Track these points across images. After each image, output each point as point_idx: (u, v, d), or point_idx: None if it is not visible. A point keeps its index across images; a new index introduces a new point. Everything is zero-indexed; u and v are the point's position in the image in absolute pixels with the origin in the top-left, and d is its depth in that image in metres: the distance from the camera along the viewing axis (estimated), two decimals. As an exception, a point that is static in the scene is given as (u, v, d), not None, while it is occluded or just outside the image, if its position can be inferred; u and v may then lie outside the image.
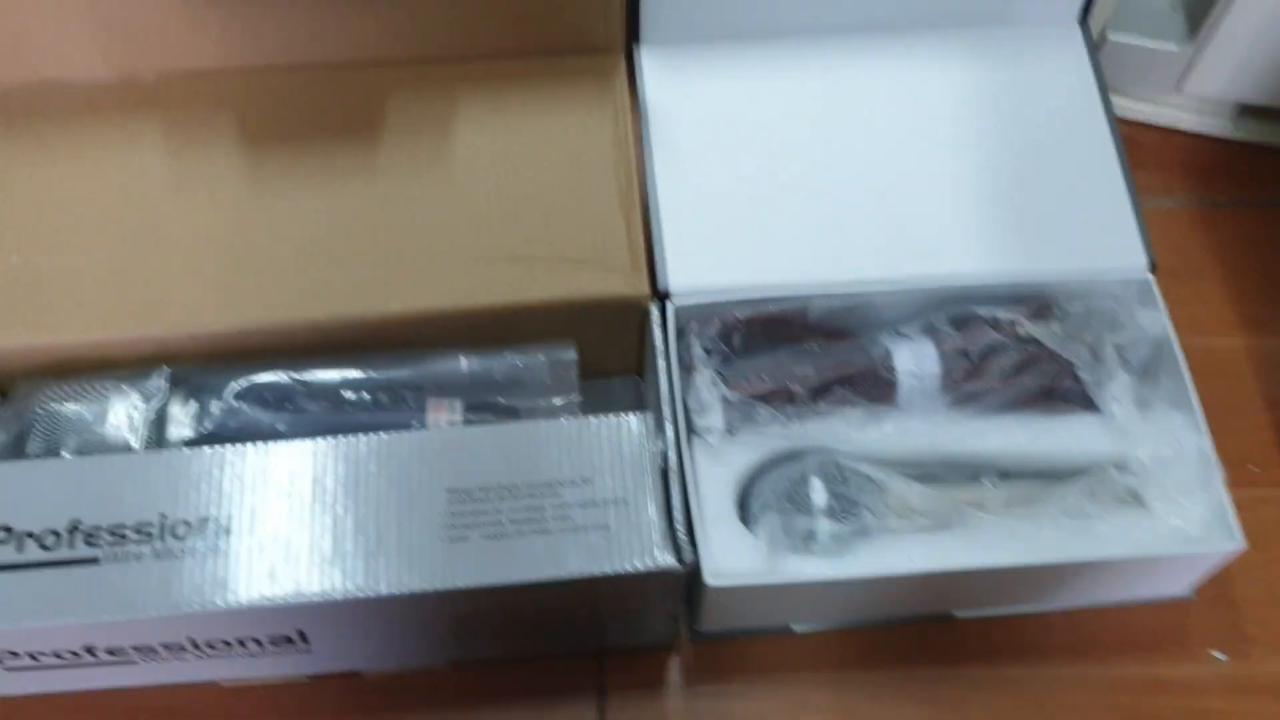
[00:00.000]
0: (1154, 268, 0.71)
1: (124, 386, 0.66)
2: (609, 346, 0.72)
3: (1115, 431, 0.69)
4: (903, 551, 0.65)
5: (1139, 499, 0.67)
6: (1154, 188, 0.87)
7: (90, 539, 0.60)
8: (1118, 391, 0.69)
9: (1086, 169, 0.74)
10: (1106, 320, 0.70)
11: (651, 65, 0.76)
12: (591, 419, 0.64)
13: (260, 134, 0.70)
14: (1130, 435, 0.68)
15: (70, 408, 0.65)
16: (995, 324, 0.70)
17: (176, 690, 0.67)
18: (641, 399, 0.75)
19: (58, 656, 0.62)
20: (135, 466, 0.62)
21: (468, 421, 0.67)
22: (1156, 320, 0.70)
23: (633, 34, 0.75)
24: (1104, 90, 0.75)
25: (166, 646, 0.62)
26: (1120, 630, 0.70)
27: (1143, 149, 0.89)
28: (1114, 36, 0.82)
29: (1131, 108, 0.89)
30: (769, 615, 0.69)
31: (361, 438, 0.63)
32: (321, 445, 0.63)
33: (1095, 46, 0.77)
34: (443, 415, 0.67)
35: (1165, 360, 0.70)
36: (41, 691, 0.66)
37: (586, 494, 0.62)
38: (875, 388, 0.69)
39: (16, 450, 0.65)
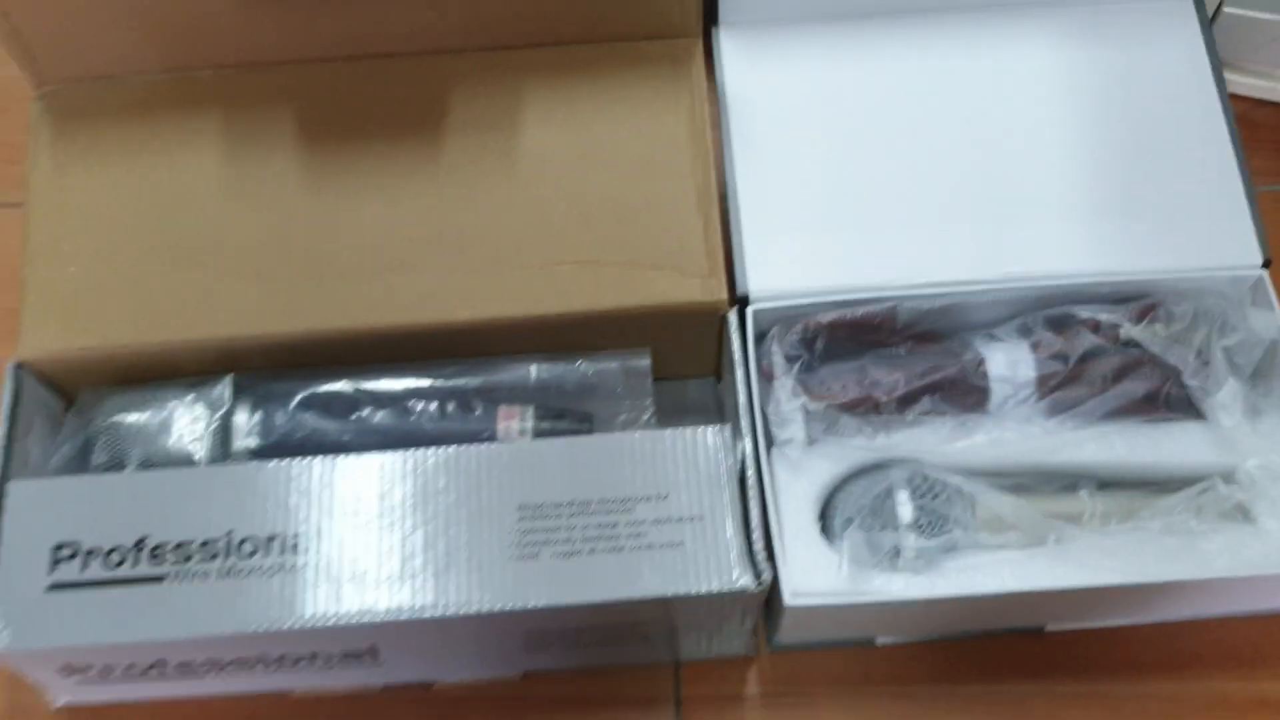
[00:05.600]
0: (1268, 264, 0.67)
1: (188, 396, 0.65)
2: (685, 351, 0.69)
3: (1223, 441, 0.65)
4: (993, 568, 0.62)
5: (1247, 514, 0.64)
6: (1270, 172, 0.81)
7: (156, 556, 0.59)
8: (1226, 399, 0.65)
9: (1196, 156, 0.69)
10: (1215, 322, 0.66)
11: (731, 50, 0.72)
12: (666, 432, 0.61)
13: (319, 131, 0.68)
14: (1239, 446, 0.65)
15: (134, 419, 0.64)
16: (1095, 326, 0.66)
17: (248, 700, 0.66)
18: (719, 402, 0.73)
19: (127, 671, 0.61)
20: (201, 481, 0.61)
21: (539, 430, 0.65)
22: (1270, 321, 0.66)
23: (710, 16, 0.71)
24: (1217, 69, 0.70)
25: (236, 662, 0.61)
26: (1221, 645, 0.67)
27: (1259, 129, 0.83)
28: (1230, 8, 0.76)
29: (1247, 83, 0.83)
30: (851, 629, 0.66)
31: (429, 452, 0.61)
32: (389, 460, 0.61)
33: (1209, 20, 0.71)
34: (514, 423, 0.65)
35: (1278, 364, 0.66)
36: (113, 700, 0.66)
37: (661, 510, 0.60)
38: (966, 395, 0.65)
39: (83, 461, 0.64)
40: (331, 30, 0.67)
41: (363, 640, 0.60)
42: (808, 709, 0.66)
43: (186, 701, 0.66)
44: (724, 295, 0.65)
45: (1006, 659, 0.67)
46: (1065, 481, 0.65)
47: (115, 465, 0.63)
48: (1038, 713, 0.66)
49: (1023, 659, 0.67)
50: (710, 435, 0.61)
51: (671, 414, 0.68)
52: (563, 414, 0.66)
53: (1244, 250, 0.67)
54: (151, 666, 0.61)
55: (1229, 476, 0.64)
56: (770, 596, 0.64)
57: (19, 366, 0.64)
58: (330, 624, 0.58)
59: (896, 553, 0.62)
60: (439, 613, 0.58)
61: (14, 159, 0.77)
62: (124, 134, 0.68)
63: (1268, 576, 0.61)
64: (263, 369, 0.66)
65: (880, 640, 0.67)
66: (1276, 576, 0.61)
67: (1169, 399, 0.65)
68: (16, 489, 0.61)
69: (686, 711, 0.66)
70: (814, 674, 0.67)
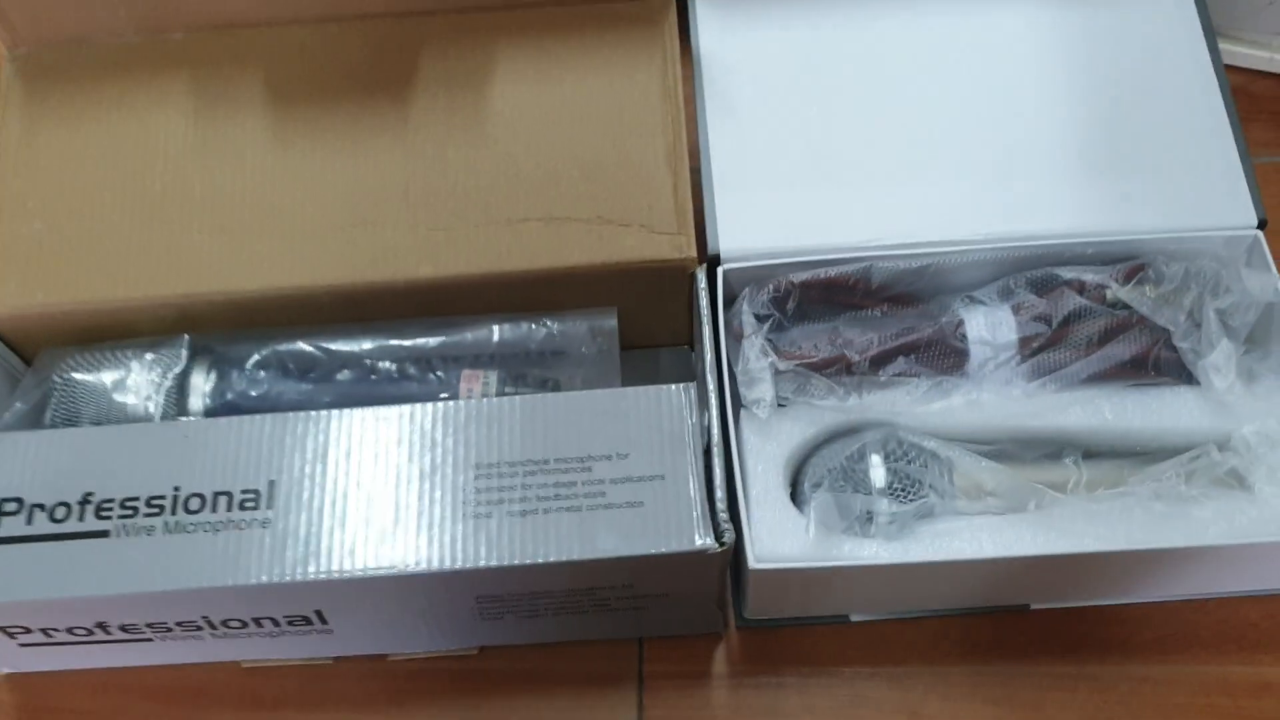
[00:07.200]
0: (1264, 224, 0.64)
1: (145, 355, 0.64)
2: (656, 315, 0.67)
3: (1216, 406, 0.62)
4: (971, 535, 0.59)
5: (1242, 481, 0.61)
6: (1267, 142, 0.79)
7: (101, 512, 0.58)
8: (1219, 360, 0.61)
9: (1188, 116, 0.67)
10: (1208, 283, 0.63)
11: (705, 9, 0.70)
12: (629, 390, 0.59)
13: (288, 91, 0.67)
14: (1233, 410, 0.62)
15: (89, 377, 0.63)
16: (1080, 288, 0.63)
17: (197, 670, 0.64)
18: (692, 372, 0.70)
19: (71, 633, 0.60)
20: (150, 437, 0.59)
21: (502, 394, 0.63)
22: (1266, 283, 0.63)
23: (684, -25, 0.70)
24: (1209, 28, 0.68)
25: (181, 624, 0.59)
26: (1221, 626, 0.64)
27: (1258, 100, 0.81)
28: (1221, -31, 0.74)
29: (1242, 54, 0.81)
30: (823, 603, 0.63)
31: (384, 410, 0.59)
32: (339, 417, 0.59)
33: (1201, -17, 0.69)
34: (476, 387, 0.63)
35: (1275, 327, 0.63)
36: (59, 669, 0.64)
37: (621, 469, 0.58)
38: (944, 357, 0.63)
39: (37, 419, 0.63)
40: (302, -10, 0.67)
41: (310, 603, 0.58)
42: (776, 689, 0.63)
43: (133, 670, 0.64)
44: (693, 253, 0.63)
45: (989, 638, 0.64)
46: (1049, 449, 0.62)
47: (69, 423, 0.62)
48: (1022, 695, 0.62)
49: (1006, 638, 0.64)
50: (674, 393, 0.59)
51: (644, 383, 0.65)
52: (527, 379, 0.64)
53: (1239, 211, 0.64)
54: (95, 628, 0.59)
55: (1223, 443, 0.61)
56: (737, 567, 0.61)
57: (-25, 323, 0.63)
58: (277, 583, 0.56)
59: (869, 518, 0.60)
60: (384, 572, 0.56)
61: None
62: (95, 94, 0.68)
63: (1265, 545, 0.58)
64: (223, 330, 0.65)
65: (855, 617, 0.64)
66: (1274, 545, 0.58)
67: (1158, 362, 0.63)
68: (-37, 444, 0.60)
69: (650, 689, 0.63)
70: (784, 652, 0.64)
